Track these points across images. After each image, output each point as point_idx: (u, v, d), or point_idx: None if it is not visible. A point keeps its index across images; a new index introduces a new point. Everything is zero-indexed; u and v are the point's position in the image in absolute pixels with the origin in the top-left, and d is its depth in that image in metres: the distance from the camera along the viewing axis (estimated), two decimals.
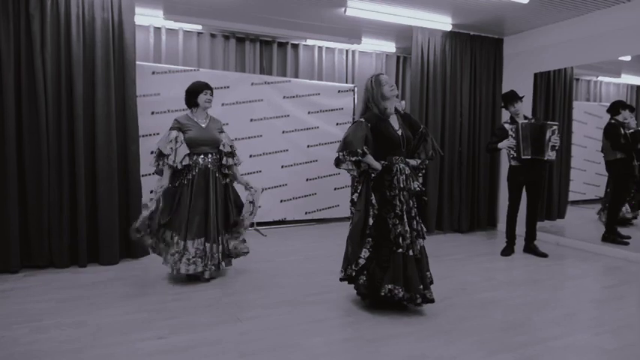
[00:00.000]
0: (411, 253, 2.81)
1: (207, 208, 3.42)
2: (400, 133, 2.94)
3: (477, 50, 5.59)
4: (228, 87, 5.14)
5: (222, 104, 5.12)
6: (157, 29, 5.06)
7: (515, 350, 2.45)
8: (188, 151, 3.39)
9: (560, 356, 2.41)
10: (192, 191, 3.38)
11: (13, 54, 3.57)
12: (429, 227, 5.39)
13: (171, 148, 3.35)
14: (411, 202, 2.90)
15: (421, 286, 2.81)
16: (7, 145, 3.56)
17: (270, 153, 5.47)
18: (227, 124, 5.14)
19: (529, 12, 4.74)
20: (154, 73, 4.74)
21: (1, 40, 3.52)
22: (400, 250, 2.79)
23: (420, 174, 3.06)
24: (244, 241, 3.69)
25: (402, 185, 2.86)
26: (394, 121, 2.96)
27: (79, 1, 3.76)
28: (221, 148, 3.54)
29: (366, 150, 2.80)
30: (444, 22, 5.20)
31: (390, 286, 2.76)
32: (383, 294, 2.77)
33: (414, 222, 2.88)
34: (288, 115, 5.53)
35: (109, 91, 3.89)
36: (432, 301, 2.86)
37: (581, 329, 2.78)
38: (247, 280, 3.57)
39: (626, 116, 4.77)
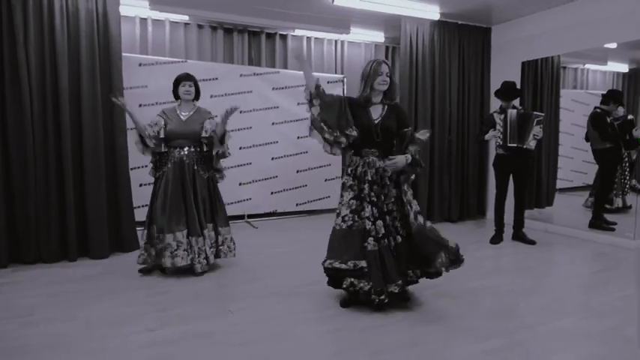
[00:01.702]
0: (376, 247, 2.71)
1: (186, 200, 3.38)
2: (377, 122, 2.80)
3: (465, 39, 5.60)
4: (216, 79, 5.10)
5: (211, 96, 5.08)
6: (143, 20, 4.99)
7: (504, 336, 2.49)
8: (162, 137, 3.40)
9: (547, 341, 2.45)
10: (167, 184, 3.37)
11: None
12: None
13: (150, 126, 3.38)
14: (387, 197, 2.78)
15: (395, 282, 2.71)
16: None
17: (259, 145, 5.45)
18: (216, 116, 5.15)
19: (516, 1, 4.75)
20: (140, 64, 4.69)
21: None
22: (367, 245, 2.73)
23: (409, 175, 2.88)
24: (233, 243, 3.66)
25: (368, 179, 2.77)
26: (375, 111, 2.84)
27: None
28: (203, 134, 3.48)
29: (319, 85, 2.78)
30: (432, 12, 5.19)
31: (351, 280, 2.71)
32: (345, 287, 2.74)
33: (388, 217, 2.77)
34: (277, 107, 5.51)
35: (95, 84, 3.84)
36: (406, 299, 2.89)
37: (568, 314, 2.83)
38: (238, 272, 3.57)
39: (612, 109, 4.82)
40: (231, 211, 5.31)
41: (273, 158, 5.55)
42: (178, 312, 2.78)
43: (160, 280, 3.34)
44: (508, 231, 4.67)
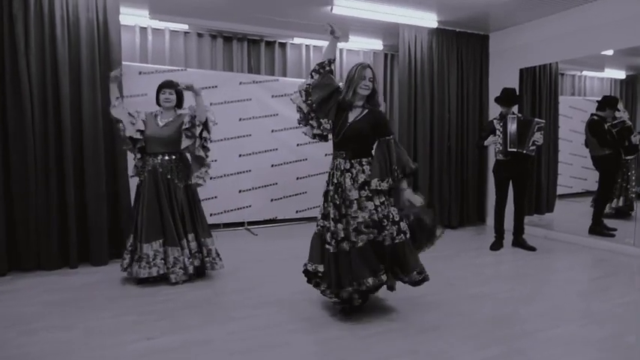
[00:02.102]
0: (334, 250, 2.69)
1: (162, 209, 3.34)
2: (346, 124, 2.76)
3: (463, 47, 5.64)
4: (216, 86, 5.13)
5: (211, 104, 5.06)
6: (143, 29, 5.03)
7: (504, 343, 2.48)
8: (137, 125, 3.36)
9: (547, 348, 2.44)
10: (144, 193, 3.37)
11: None
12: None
13: (131, 114, 3.38)
14: (347, 202, 2.71)
15: (344, 288, 2.67)
16: None
17: (259, 152, 5.47)
18: (216, 123, 5.16)
19: (513, 8, 4.79)
20: (140, 73, 4.71)
21: None
22: (327, 246, 2.74)
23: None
24: (217, 255, 3.57)
25: (334, 181, 2.79)
26: (353, 115, 2.79)
27: (63, 2, 3.73)
28: (183, 127, 3.38)
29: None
30: (429, 19, 5.23)
31: (316, 280, 2.84)
32: (313, 286, 2.88)
33: (345, 220, 2.69)
34: (277, 114, 5.53)
35: (95, 92, 3.87)
36: (347, 304, 2.80)
37: (568, 321, 2.82)
38: (237, 280, 3.57)
39: (609, 115, 4.84)
40: (230, 218, 5.34)
41: (272, 165, 5.56)
42: (177, 320, 2.78)
43: (159, 289, 3.33)
44: (508, 237, 4.67)
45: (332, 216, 2.74)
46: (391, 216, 2.72)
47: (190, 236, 3.44)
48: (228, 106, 5.22)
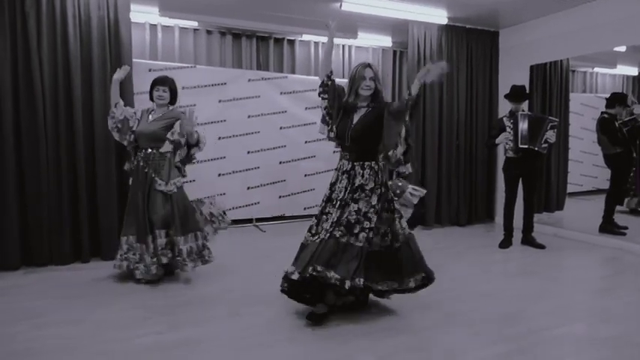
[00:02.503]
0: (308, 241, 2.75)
1: (139, 204, 3.33)
2: (351, 126, 2.72)
3: (472, 43, 5.59)
4: (225, 83, 5.15)
5: (220, 101, 5.13)
6: (153, 26, 5.06)
7: (511, 341, 2.48)
8: (129, 111, 3.47)
9: (555, 346, 2.43)
10: (130, 186, 3.46)
11: (9, 53, 3.58)
12: (427, 221, 5.43)
13: (128, 118, 3.44)
14: (335, 200, 2.73)
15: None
16: (5, 144, 3.58)
17: (267, 149, 5.48)
18: (225, 120, 5.20)
19: (523, 4, 4.74)
20: (150, 70, 4.73)
21: None
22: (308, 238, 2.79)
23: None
24: (206, 247, 3.49)
25: (332, 181, 2.80)
26: (357, 115, 2.75)
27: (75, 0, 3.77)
28: (168, 136, 3.39)
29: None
30: (439, 16, 5.19)
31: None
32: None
33: (331, 221, 2.68)
34: (285, 111, 5.53)
35: (107, 90, 3.87)
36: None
37: (576, 319, 2.80)
38: (245, 276, 3.59)
39: (620, 112, 4.79)
40: (239, 214, 5.37)
41: (281, 162, 5.57)
42: (185, 315, 2.81)
43: (168, 285, 3.37)
44: (517, 235, 4.64)
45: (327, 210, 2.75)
46: (369, 224, 2.61)
47: (160, 232, 3.33)
48: (237, 103, 5.24)
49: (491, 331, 2.60)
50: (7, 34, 3.56)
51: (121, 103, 3.49)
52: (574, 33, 4.86)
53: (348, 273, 2.51)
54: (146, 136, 3.39)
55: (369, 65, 2.74)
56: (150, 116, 3.47)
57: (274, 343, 2.45)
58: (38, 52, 3.66)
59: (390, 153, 2.88)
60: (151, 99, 3.53)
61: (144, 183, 3.35)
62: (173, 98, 3.55)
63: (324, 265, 2.53)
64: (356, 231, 2.61)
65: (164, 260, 3.33)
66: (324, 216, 2.76)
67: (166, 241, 3.35)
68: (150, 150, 3.38)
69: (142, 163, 3.38)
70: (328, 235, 2.62)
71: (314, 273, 2.52)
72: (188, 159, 3.55)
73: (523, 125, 4.30)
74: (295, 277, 2.59)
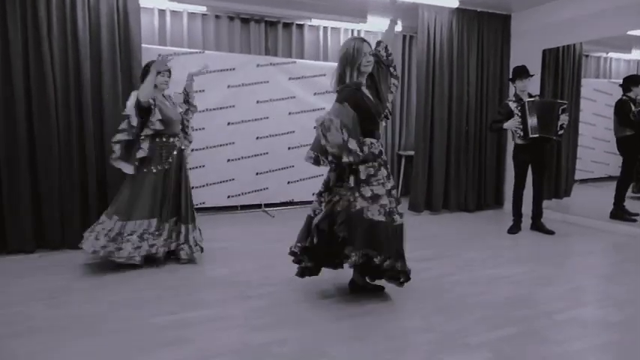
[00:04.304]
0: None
1: (161, 189, 3.47)
2: (375, 103, 2.67)
3: (484, 27, 5.52)
4: (233, 69, 5.14)
5: (228, 86, 5.13)
6: (162, 11, 5.05)
7: (519, 324, 2.49)
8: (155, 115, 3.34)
9: (562, 329, 2.44)
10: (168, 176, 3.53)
11: (20, 40, 3.61)
12: (435, 206, 5.43)
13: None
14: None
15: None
16: (17, 131, 3.63)
17: (276, 135, 5.49)
18: (234, 105, 5.21)
19: None
20: (159, 55, 4.73)
21: (9, 27, 3.56)
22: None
23: None
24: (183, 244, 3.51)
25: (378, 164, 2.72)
26: (366, 91, 2.69)
27: None
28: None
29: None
30: None
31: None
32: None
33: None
34: (294, 97, 5.52)
35: (116, 75, 3.93)
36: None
37: (586, 303, 2.81)
38: (255, 260, 3.63)
39: (637, 92, 4.71)
40: (248, 200, 5.41)
41: (289, 148, 5.58)
42: (198, 296, 2.86)
43: (180, 267, 3.42)
44: (526, 221, 4.63)
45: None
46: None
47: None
48: (246, 88, 5.24)
49: (499, 314, 2.62)
50: (17, 21, 3.58)
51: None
52: (588, 16, 4.77)
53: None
54: (175, 123, 3.47)
55: (364, 40, 2.62)
56: (167, 102, 3.49)
57: (284, 324, 2.49)
58: (48, 38, 3.68)
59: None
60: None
61: (170, 169, 3.41)
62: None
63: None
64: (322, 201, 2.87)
65: (145, 245, 3.35)
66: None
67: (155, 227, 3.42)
68: (172, 139, 3.46)
69: (164, 149, 3.41)
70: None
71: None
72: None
73: (532, 115, 4.24)
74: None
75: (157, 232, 3.38)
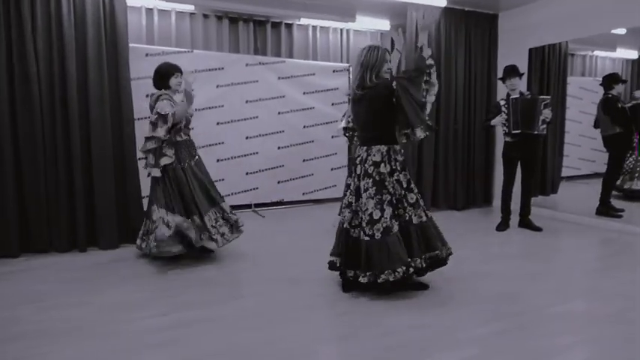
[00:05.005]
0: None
1: (188, 187, 3.56)
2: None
3: (472, 26, 5.56)
4: (222, 68, 5.12)
5: (217, 86, 5.10)
6: (149, 10, 5.00)
7: (509, 319, 2.52)
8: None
9: (553, 323, 2.47)
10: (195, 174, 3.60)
11: (4, 39, 3.54)
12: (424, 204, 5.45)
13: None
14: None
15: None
16: (1, 133, 3.55)
17: (266, 134, 5.48)
18: (223, 105, 5.18)
19: None
20: (147, 55, 4.70)
21: None
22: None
23: None
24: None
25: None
26: None
27: None
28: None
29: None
30: None
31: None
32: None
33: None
34: (283, 96, 5.52)
35: (102, 74, 3.86)
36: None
37: (574, 297, 2.85)
38: (246, 260, 3.62)
39: (619, 90, 4.78)
40: (238, 200, 5.38)
41: (279, 147, 5.57)
42: (189, 297, 2.83)
43: (169, 268, 3.39)
44: (514, 218, 4.67)
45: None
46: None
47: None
48: (235, 88, 5.22)
49: (489, 309, 2.64)
50: (0, 18, 3.51)
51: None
52: (573, 15, 4.84)
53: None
54: (188, 122, 3.57)
55: (387, 50, 2.82)
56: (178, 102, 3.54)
57: (273, 324, 2.48)
58: (33, 36, 3.62)
59: None
60: (164, 87, 3.48)
61: (187, 168, 3.48)
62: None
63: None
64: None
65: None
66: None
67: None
68: (185, 136, 3.53)
69: (182, 149, 3.49)
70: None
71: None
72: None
73: (516, 111, 4.29)
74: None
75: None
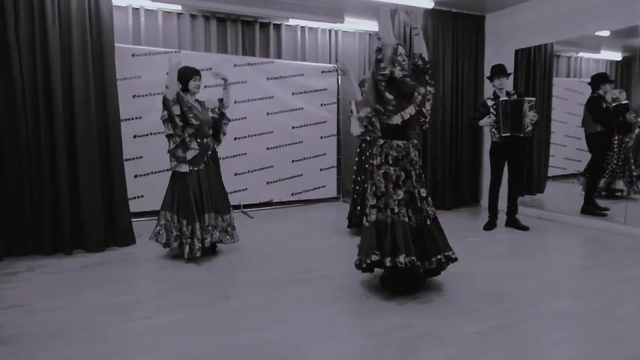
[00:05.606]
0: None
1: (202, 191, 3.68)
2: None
3: (458, 28, 5.61)
4: (210, 69, 5.06)
5: (205, 86, 5.04)
6: (136, 10, 4.96)
7: (497, 317, 2.54)
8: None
9: (537, 321, 2.50)
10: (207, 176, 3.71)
11: None
12: None
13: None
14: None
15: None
16: None
17: (255, 135, 5.46)
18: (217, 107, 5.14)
19: None
20: (133, 55, 4.67)
21: None
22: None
23: None
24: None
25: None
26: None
27: None
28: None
29: None
30: (425, 0, 5.18)
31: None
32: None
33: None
34: (272, 97, 5.51)
35: (88, 75, 3.80)
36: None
37: (559, 296, 2.88)
38: (234, 261, 3.60)
39: (606, 90, 4.86)
40: None
41: (268, 148, 5.56)
42: (176, 300, 2.81)
43: (157, 270, 3.36)
44: (501, 218, 4.72)
45: None
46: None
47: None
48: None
49: (476, 308, 2.66)
50: None
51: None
52: (559, 17, 4.91)
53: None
54: (208, 125, 3.59)
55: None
56: (197, 105, 3.57)
57: (262, 325, 2.47)
58: (16, 36, 3.55)
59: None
60: (185, 89, 3.53)
61: (205, 171, 3.58)
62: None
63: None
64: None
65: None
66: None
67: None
68: (206, 140, 3.58)
69: (201, 153, 3.53)
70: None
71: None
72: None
73: (504, 113, 4.32)
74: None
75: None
